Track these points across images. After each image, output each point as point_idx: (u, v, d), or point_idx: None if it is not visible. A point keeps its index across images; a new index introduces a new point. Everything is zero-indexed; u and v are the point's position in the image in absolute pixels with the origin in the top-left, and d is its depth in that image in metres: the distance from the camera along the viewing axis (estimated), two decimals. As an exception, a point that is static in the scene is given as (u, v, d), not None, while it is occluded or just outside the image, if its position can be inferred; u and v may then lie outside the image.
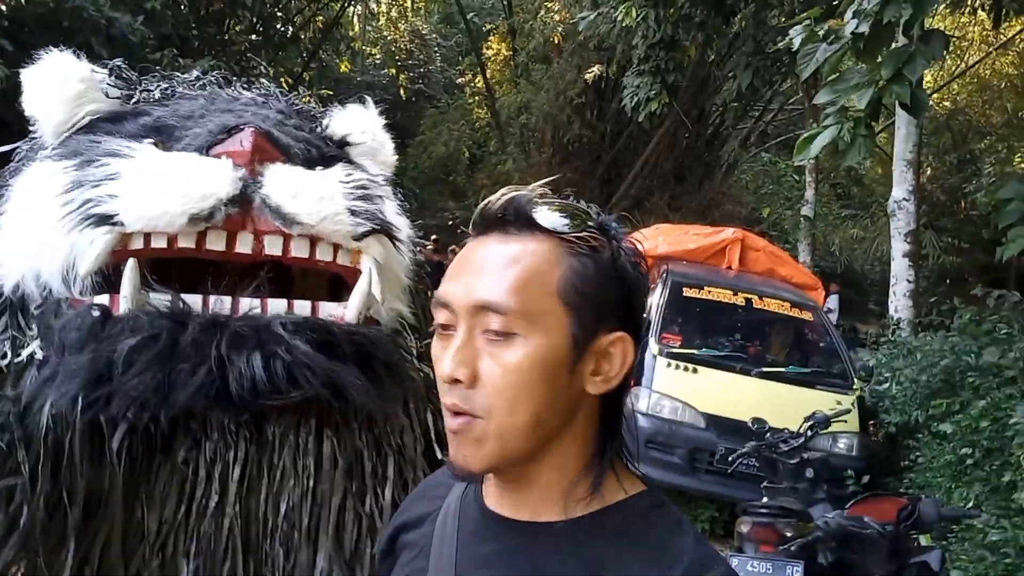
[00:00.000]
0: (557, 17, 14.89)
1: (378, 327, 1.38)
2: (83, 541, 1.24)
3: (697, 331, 5.53)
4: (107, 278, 1.27)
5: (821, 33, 4.15)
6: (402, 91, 20.10)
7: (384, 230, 1.38)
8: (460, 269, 0.76)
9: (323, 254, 1.34)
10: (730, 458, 3.87)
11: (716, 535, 4.79)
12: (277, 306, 1.29)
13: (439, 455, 1.54)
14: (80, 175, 1.32)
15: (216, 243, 1.29)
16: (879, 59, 3.78)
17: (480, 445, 0.72)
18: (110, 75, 1.58)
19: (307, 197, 1.30)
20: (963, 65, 15.87)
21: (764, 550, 3.11)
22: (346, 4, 16.50)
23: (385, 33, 21.13)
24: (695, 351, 5.20)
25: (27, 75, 1.48)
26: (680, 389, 4.94)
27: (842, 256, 14.97)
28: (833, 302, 11.30)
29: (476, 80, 19.13)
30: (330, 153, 1.54)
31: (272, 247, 1.31)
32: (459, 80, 21.02)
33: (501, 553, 0.77)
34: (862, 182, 18.48)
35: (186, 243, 1.28)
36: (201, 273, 1.40)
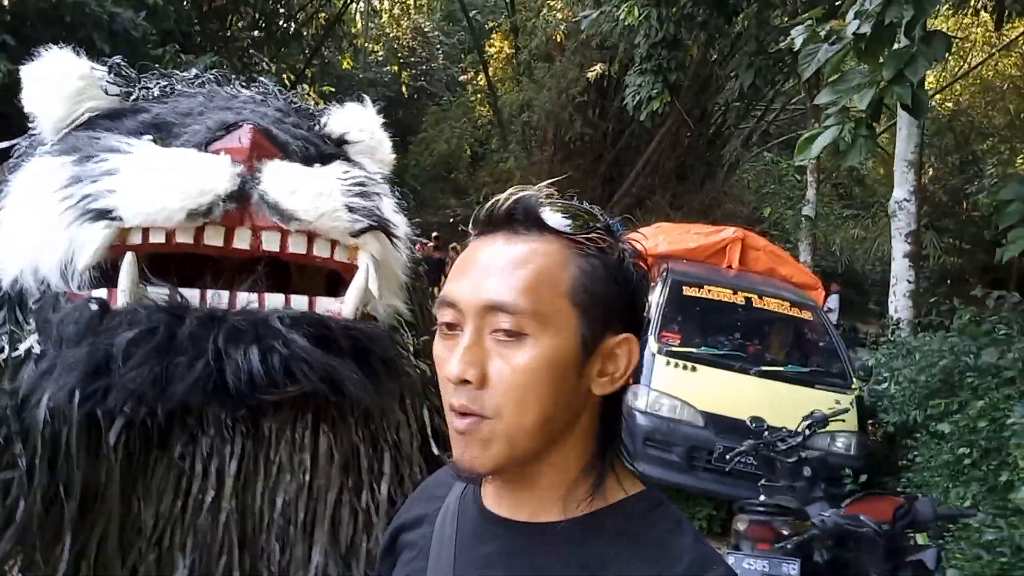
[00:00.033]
0: (560, 15, 14.88)
1: (375, 323, 1.39)
2: (80, 535, 1.24)
3: (697, 330, 5.53)
4: (105, 273, 1.28)
5: (823, 33, 4.15)
6: (404, 88, 20.11)
7: (381, 227, 1.39)
8: (466, 269, 0.75)
9: (320, 250, 1.35)
10: (728, 456, 3.87)
11: (714, 533, 4.80)
12: (274, 301, 1.30)
13: (435, 451, 1.54)
14: (79, 170, 1.32)
15: (214, 239, 1.30)
16: (881, 60, 3.78)
17: (488, 446, 0.72)
18: (109, 72, 1.59)
19: (305, 193, 1.31)
20: (966, 66, 15.85)
21: (761, 548, 3.12)
22: (349, 1, 16.50)
23: (387, 30, 21.12)
24: (694, 350, 5.20)
25: (27, 72, 1.49)
26: (679, 387, 4.94)
27: (843, 256, 14.96)
28: (834, 302, 11.29)
29: (478, 78, 19.12)
30: (328, 151, 1.54)
31: (270, 243, 1.31)
32: (461, 78, 21.01)
33: (500, 554, 0.77)
34: (864, 182, 18.46)
35: (184, 238, 1.29)
36: (199, 269, 1.41)
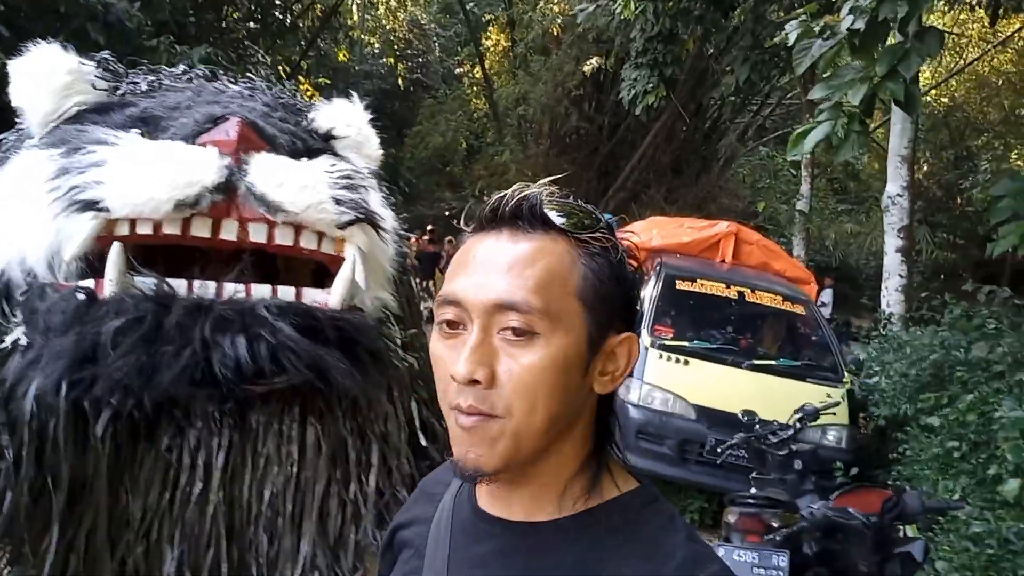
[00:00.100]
0: (556, 8, 14.86)
1: (361, 314, 1.39)
2: (68, 527, 1.24)
3: (689, 323, 5.54)
4: (92, 265, 1.28)
5: (817, 29, 4.15)
6: (400, 81, 20.05)
7: (368, 219, 1.39)
8: (469, 266, 0.74)
9: (307, 242, 1.35)
10: (719, 449, 3.88)
11: (705, 525, 4.82)
12: (261, 291, 1.30)
13: (423, 442, 1.55)
14: (66, 162, 1.32)
15: (201, 229, 1.30)
16: (874, 55, 3.78)
17: (495, 444, 0.71)
18: (97, 67, 1.59)
19: (292, 185, 1.31)
20: (961, 62, 15.86)
21: (750, 540, 3.14)
22: (344, -8, 16.42)
23: (384, 22, 21.03)
24: (687, 343, 5.21)
25: (14, 66, 1.48)
26: (671, 381, 4.96)
27: (837, 251, 15.01)
28: (827, 296, 11.33)
29: (474, 71, 19.08)
30: (315, 146, 1.55)
31: (257, 234, 1.32)
32: (457, 70, 20.96)
33: (495, 553, 0.77)
34: (859, 177, 18.50)
35: (171, 229, 1.29)
36: (187, 261, 1.42)
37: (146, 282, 1.25)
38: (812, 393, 4.56)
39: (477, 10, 18.20)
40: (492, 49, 18.56)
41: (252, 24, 13.57)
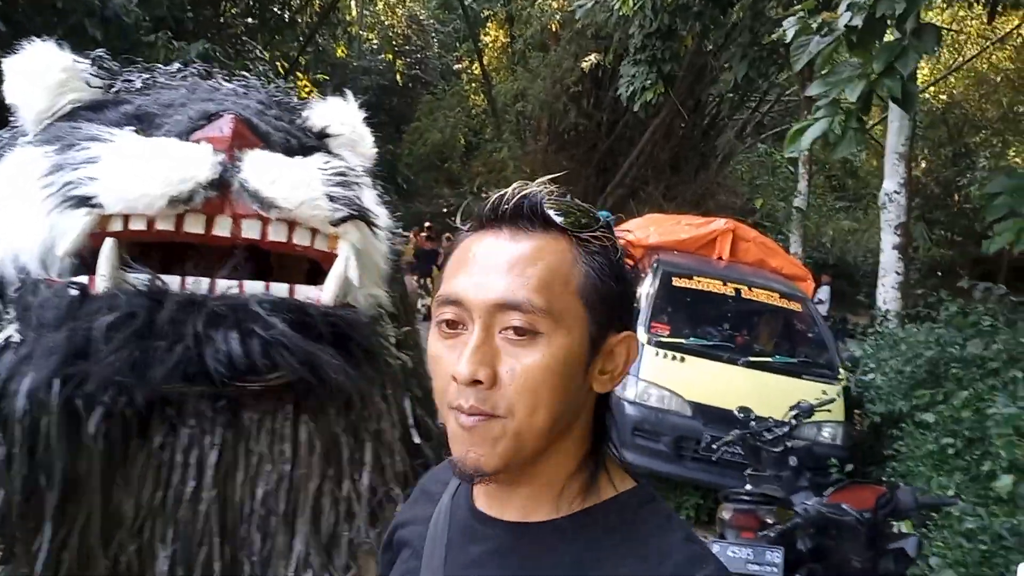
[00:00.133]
0: (555, 4, 14.84)
1: (355, 310, 1.39)
2: (61, 525, 1.24)
3: (686, 320, 5.55)
4: (86, 261, 1.28)
5: (815, 25, 4.15)
6: (398, 77, 20.01)
7: (362, 216, 1.39)
8: (468, 265, 0.74)
9: (301, 239, 1.35)
10: (715, 446, 3.90)
11: (701, 522, 4.84)
12: (254, 287, 1.30)
13: (416, 440, 1.55)
14: (61, 159, 1.32)
15: (195, 226, 1.30)
16: (872, 52, 3.79)
17: (496, 444, 0.71)
18: (92, 65, 1.59)
19: (285, 182, 1.31)
20: (960, 59, 15.87)
21: (745, 536, 3.16)
22: (342, -12, 16.38)
23: (382, 18, 20.99)
24: (683, 340, 5.23)
25: (9, 64, 1.48)
26: (667, 377, 4.97)
27: (834, 248, 15.03)
28: (824, 293, 11.35)
29: (473, 67, 19.07)
30: (310, 144, 1.55)
31: (250, 231, 1.31)
32: (456, 67, 20.94)
33: (491, 554, 0.77)
34: (857, 174, 18.52)
35: (165, 226, 1.29)
36: (180, 259, 1.42)
37: (139, 278, 1.25)
38: (808, 390, 4.58)
39: (476, 6, 18.17)
40: (491, 45, 18.55)
41: (250, 20, 13.53)
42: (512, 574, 0.75)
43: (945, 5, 10.40)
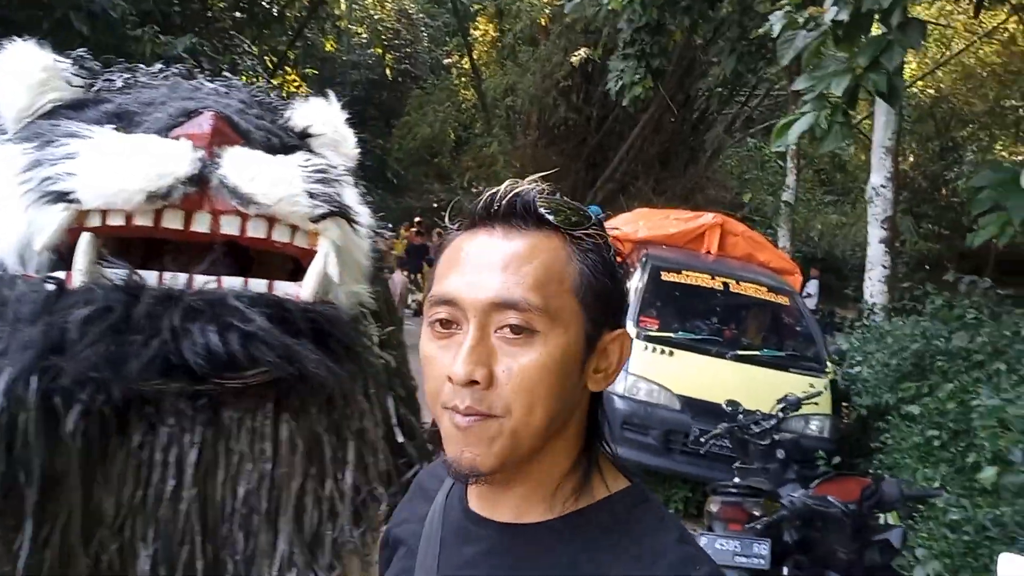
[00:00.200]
0: (544, -1, 14.81)
1: (334, 307, 1.39)
2: (42, 523, 1.24)
3: (675, 315, 5.58)
4: (63, 257, 1.27)
5: (801, 20, 4.17)
6: (388, 71, 19.94)
7: (342, 213, 1.39)
8: (461, 264, 0.73)
9: (280, 235, 1.34)
10: (703, 439, 3.93)
11: (690, 515, 4.87)
12: (232, 283, 1.30)
13: (400, 439, 1.55)
14: (39, 155, 1.31)
15: (173, 222, 1.29)
16: (857, 47, 3.80)
17: (492, 444, 0.71)
18: (73, 64, 1.58)
19: (265, 178, 1.30)
20: (947, 53, 15.95)
21: (732, 528, 3.18)
22: (331, -18, 16.28)
23: (372, 12, 20.88)
24: (672, 334, 5.25)
25: None
26: (656, 372, 5.00)
27: (822, 242, 15.11)
28: (813, 287, 11.42)
29: (463, 61, 19.01)
30: (291, 143, 1.54)
31: (229, 227, 1.30)
32: (445, 61, 20.87)
33: (484, 554, 0.77)
34: (845, 168, 18.62)
35: (143, 221, 1.28)
36: (159, 255, 1.41)
37: (116, 273, 1.24)
38: (795, 383, 4.61)
39: (465, 0, 18.13)
40: (480, 39, 18.50)
41: (238, 13, 13.44)
42: (506, 575, 0.75)
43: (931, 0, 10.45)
